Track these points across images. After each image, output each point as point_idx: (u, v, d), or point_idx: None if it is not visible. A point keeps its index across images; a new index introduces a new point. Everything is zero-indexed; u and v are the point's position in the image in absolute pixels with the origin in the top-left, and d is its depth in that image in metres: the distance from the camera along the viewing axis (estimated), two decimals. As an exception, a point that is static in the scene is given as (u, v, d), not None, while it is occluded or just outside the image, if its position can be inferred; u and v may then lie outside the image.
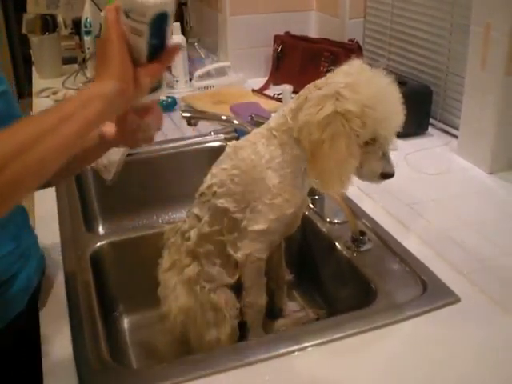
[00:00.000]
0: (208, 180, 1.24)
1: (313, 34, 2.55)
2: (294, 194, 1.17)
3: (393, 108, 1.07)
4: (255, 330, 1.28)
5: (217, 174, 1.23)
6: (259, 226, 1.17)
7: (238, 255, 1.21)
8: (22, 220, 1.18)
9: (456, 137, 1.82)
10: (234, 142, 1.25)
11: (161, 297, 1.30)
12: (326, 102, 1.05)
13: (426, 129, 1.93)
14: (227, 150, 1.24)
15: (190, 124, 1.76)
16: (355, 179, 1.13)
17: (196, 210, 1.25)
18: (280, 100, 2.17)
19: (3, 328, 1.09)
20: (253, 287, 1.25)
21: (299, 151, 1.14)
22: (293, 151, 1.15)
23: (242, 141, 1.22)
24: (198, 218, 1.25)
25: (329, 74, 1.12)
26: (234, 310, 1.24)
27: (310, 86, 1.13)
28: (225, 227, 1.22)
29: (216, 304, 1.22)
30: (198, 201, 1.26)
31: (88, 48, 2.56)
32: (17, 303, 1.13)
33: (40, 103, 2.30)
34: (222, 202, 1.20)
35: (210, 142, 1.90)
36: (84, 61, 2.56)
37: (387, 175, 1.11)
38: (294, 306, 1.46)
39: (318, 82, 1.12)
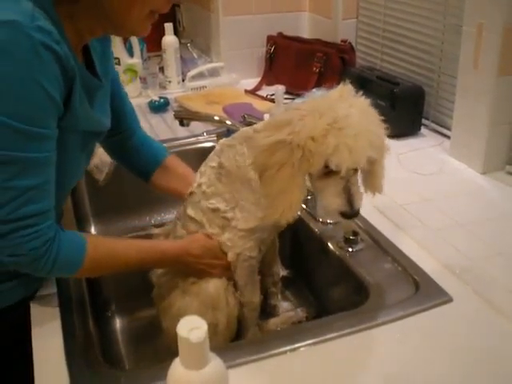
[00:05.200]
0: (197, 178, 1.25)
1: (305, 34, 2.55)
2: None
3: (346, 142, 0.99)
4: (251, 329, 1.28)
5: (205, 171, 1.24)
6: (248, 225, 1.18)
7: (230, 254, 1.21)
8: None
9: (448, 137, 1.82)
10: (223, 139, 1.25)
11: (156, 300, 1.30)
12: (281, 128, 1.04)
13: (419, 129, 1.93)
14: (216, 147, 1.25)
15: (182, 124, 1.76)
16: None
17: (190, 212, 1.25)
18: (273, 101, 2.17)
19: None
20: (247, 286, 1.25)
21: None
22: None
23: (231, 139, 1.21)
24: (194, 220, 1.24)
25: (310, 98, 1.10)
26: (232, 298, 1.23)
27: (294, 104, 1.12)
28: (211, 225, 1.22)
29: (213, 292, 1.22)
30: (189, 200, 1.26)
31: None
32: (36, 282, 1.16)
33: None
34: (212, 203, 1.21)
35: (203, 142, 1.89)
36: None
37: (345, 215, 1.04)
38: (287, 306, 1.46)
39: (299, 102, 1.11)
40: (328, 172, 1.02)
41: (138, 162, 1.36)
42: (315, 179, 1.05)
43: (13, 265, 1.00)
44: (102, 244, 1.10)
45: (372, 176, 1.11)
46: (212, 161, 1.23)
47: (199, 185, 1.24)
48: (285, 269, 1.47)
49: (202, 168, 1.25)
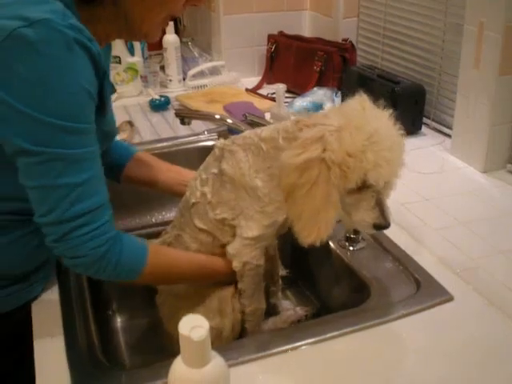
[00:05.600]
0: (199, 187, 1.19)
1: (306, 33, 2.55)
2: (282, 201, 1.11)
3: (384, 155, 0.98)
4: (254, 334, 1.27)
5: (208, 180, 1.18)
6: (253, 233, 1.14)
7: (234, 263, 1.17)
8: None
9: (449, 136, 1.82)
10: (221, 141, 1.20)
11: (160, 305, 1.30)
12: (311, 145, 0.99)
13: (420, 128, 1.93)
14: (215, 151, 1.19)
15: (183, 123, 1.76)
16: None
17: (199, 224, 1.19)
18: (273, 99, 2.17)
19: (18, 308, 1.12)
20: (254, 295, 1.22)
21: None
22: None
23: (230, 143, 1.16)
24: (205, 231, 1.19)
25: (328, 110, 1.08)
26: (237, 303, 1.22)
27: (313, 118, 1.06)
28: (224, 236, 1.19)
29: (221, 298, 1.21)
30: (194, 211, 1.20)
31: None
32: (40, 285, 1.17)
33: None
34: (217, 213, 1.16)
35: (204, 141, 1.89)
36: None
37: (380, 227, 1.04)
38: (287, 305, 1.46)
39: (318, 115, 1.07)
40: (360, 186, 1.00)
41: (109, 161, 1.33)
42: (345, 194, 1.02)
43: (75, 267, 1.01)
44: (162, 251, 1.13)
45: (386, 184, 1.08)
46: (212, 167, 1.18)
47: (203, 194, 1.18)
48: (285, 268, 1.47)
49: (203, 175, 1.19)
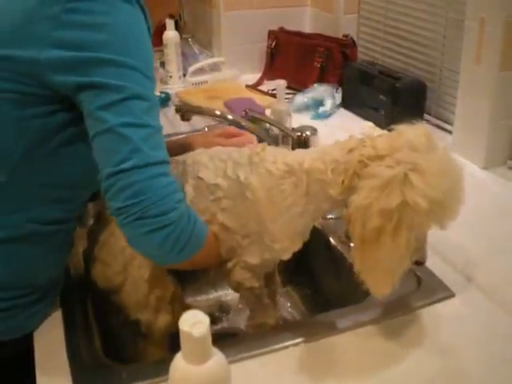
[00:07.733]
0: (219, 172, 1.07)
1: (307, 29, 2.54)
2: (295, 242, 1.06)
3: (460, 200, 0.94)
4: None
5: (230, 176, 1.06)
6: (252, 260, 1.07)
7: (230, 280, 1.13)
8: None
9: (450, 132, 1.82)
10: (263, 147, 1.07)
11: None
12: (393, 185, 0.87)
13: (421, 124, 1.93)
14: (253, 157, 1.05)
15: (183, 119, 1.76)
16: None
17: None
18: (274, 96, 2.16)
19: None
20: (257, 310, 1.18)
21: (327, 205, 1.00)
22: (319, 205, 0.99)
23: (272, 162, 1.02)
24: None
25: (387, 137, 0.95)
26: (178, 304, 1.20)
27: (363, 143, 0.94)
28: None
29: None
30: (195, 184, 1.09)
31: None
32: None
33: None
34: (224, 218, 1.06)
35: (204, 137, 1.89)
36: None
37: (420, 263, 1.04)
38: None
39: (378, 144, 0.93)
40: None
41: None
42: None
43: (159, 231, 0.89)
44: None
45: None
46: (240, 168, 1.05)
47: (216, 185, 1.06)
48: (284, 264, 1.46)
49: (230, 168, 1.06)
